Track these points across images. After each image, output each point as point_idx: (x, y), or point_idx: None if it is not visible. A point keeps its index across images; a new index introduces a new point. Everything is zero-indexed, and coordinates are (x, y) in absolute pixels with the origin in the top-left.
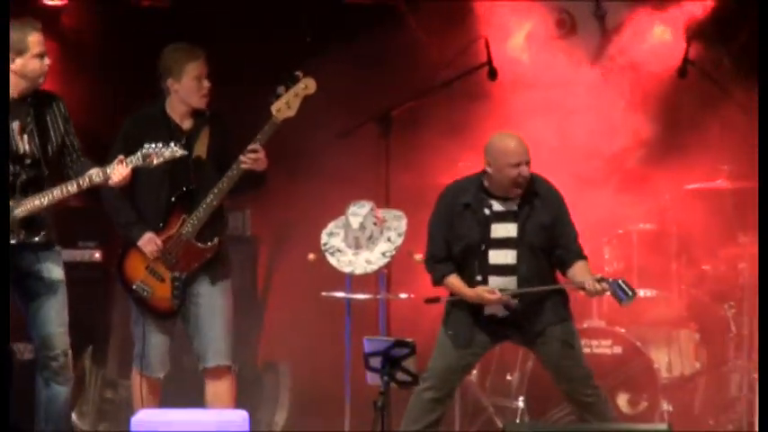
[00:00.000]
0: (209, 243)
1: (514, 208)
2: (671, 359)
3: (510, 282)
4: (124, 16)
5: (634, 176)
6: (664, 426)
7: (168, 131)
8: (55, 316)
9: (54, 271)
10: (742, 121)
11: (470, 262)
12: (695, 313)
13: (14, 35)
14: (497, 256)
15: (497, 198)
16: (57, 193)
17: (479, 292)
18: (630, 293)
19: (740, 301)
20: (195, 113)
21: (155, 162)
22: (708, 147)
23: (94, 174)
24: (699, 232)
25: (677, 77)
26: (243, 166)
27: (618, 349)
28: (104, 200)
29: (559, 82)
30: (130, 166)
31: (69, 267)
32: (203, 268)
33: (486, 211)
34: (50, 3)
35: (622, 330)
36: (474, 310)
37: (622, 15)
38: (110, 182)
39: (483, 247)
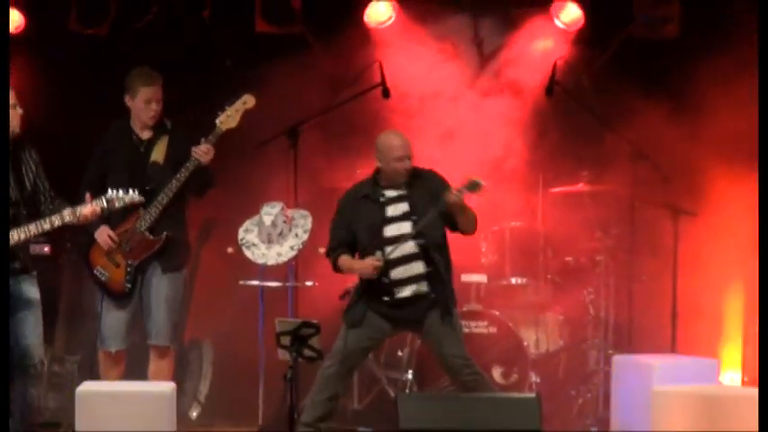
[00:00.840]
0: (158, 236)
1: (403, 192)
2: (538, 337)
3: (409, 246)
4: (67, 43)
5: (507, 181)
6: (532, 395)
7: (130, 141)
8: (32, 330)
9: (30, 291)
10: (598, 132)
11: (374, 241)
12: (559, 298)
13: None
14: (392, 230)
15: (388, 188)
16: (32, 228)
17: (367, 261)
18: (479, 182)
19: (597, 287)
20: (157, 124)
21: (116, 205)
22: (570, 155)
23: (66, 213)
24: (562, 229)
25: (545, 95)
26: (194, 155)
27: (493, 329)
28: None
29: (444, 99)
30: (93, 208)
31: None
32: (157, 259)
33: (381, 198)
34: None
35: (497, 313)
36: (369, 296)
37: (497, 43)
38: (80, 219)
39: (380, 225)
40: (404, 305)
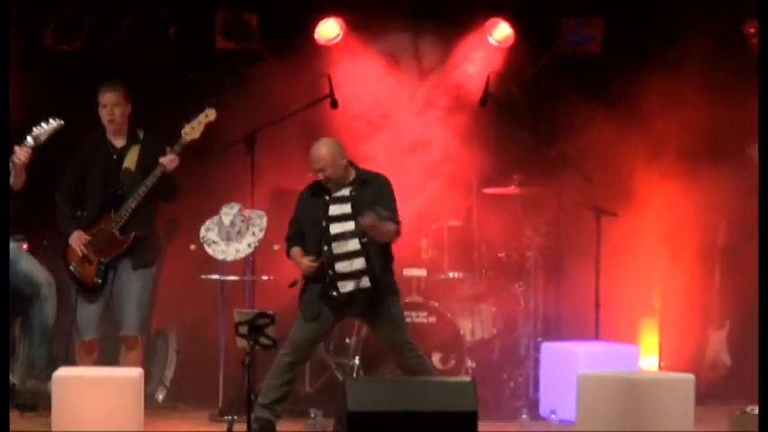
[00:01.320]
0: (126, 236)
1: (349, 193)
2: (474, 326)
3: (353, 243)
4: (44, 57)
5: (445, 184)
6: (468, 378)
7: (105, 148)
8: (23, 260)
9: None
10: (528, 139)
11: (317, 234)
12: (493, 291)
13: None
14: (336, 228)
15: (336, 188)
16: None
17: (304, 260)
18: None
19: (527, 281)
20: (130, 134)
21: (42, 139)
22: (503, 160)
23: (12, 176)
24: (495, 227)
25: (479, 105)
26: (161, 160)
27: (433, 319)
28: (56, 208)
29: (388, 109)
30: (25, 149)
31: None
32: (128, 257)
33: (326, 197)
34: None
35: (436, 304)
36: (322, 289)
37: (436, 58)
38: (17, 163)
39: (324, 223)
40: (350, 298)
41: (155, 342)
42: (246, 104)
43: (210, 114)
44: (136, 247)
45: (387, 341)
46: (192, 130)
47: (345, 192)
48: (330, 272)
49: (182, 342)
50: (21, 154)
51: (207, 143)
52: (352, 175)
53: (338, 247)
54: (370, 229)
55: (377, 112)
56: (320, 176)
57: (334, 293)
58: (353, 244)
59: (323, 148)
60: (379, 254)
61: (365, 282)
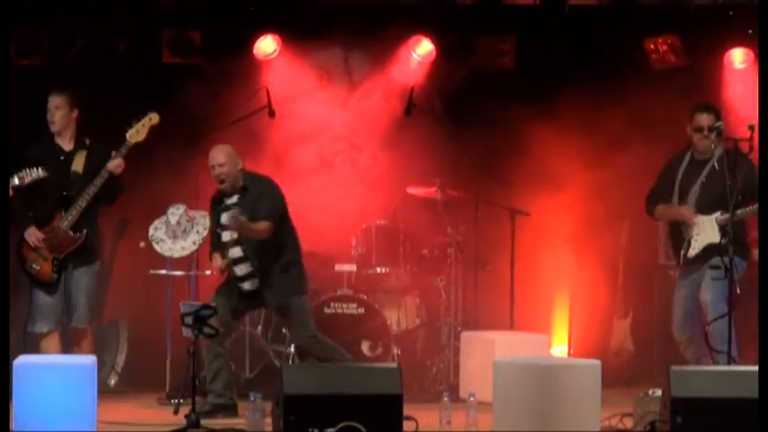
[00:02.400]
0: (78, 234)
1: (236, 200)
2: (399, 317)
3: (237, 251)
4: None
5: (373, 186)
6: (394, 364)
7: (54, 151)
8: None
9: None
10: (450, 146)
11: (218, 242)
12: (417, 284)
13: None
14: (226, 236)
15: (230, 194)
16: None
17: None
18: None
19: (448, 275)
20: (77, 139)
21: (26, 181)
22: (426, 164)
23: None
24: (419, 226)
25: (404, 115)
26: (108, 167)
27: (362, 310)
28: (11, 208)
29: (320, 118)
30: (11, 184)
31: None
32: (77, 254)
33: (222, 205)
34: None
35: (365, 296)
36: (233, 285)
37: (364, 72)
38: None
39: (218, 231)
40: (252, 294)
41: (107, 331)
42: (191, 114)
43: (154, 118)
44: (83, 245)
45: (293, 338)
46: (136, 134)
47: (234, 199)
48: (233, 274)
49: (132, 331)
50: None
51: (154, 149)
52: (241, 182)
53: (230, 253)
54: (232, 227)
55: (311, 120)
56: (217, 171)
57: (240, 290)
58: (237, 251)
59: (224, 148)
60: (268, 256)
61: (256, 282)
